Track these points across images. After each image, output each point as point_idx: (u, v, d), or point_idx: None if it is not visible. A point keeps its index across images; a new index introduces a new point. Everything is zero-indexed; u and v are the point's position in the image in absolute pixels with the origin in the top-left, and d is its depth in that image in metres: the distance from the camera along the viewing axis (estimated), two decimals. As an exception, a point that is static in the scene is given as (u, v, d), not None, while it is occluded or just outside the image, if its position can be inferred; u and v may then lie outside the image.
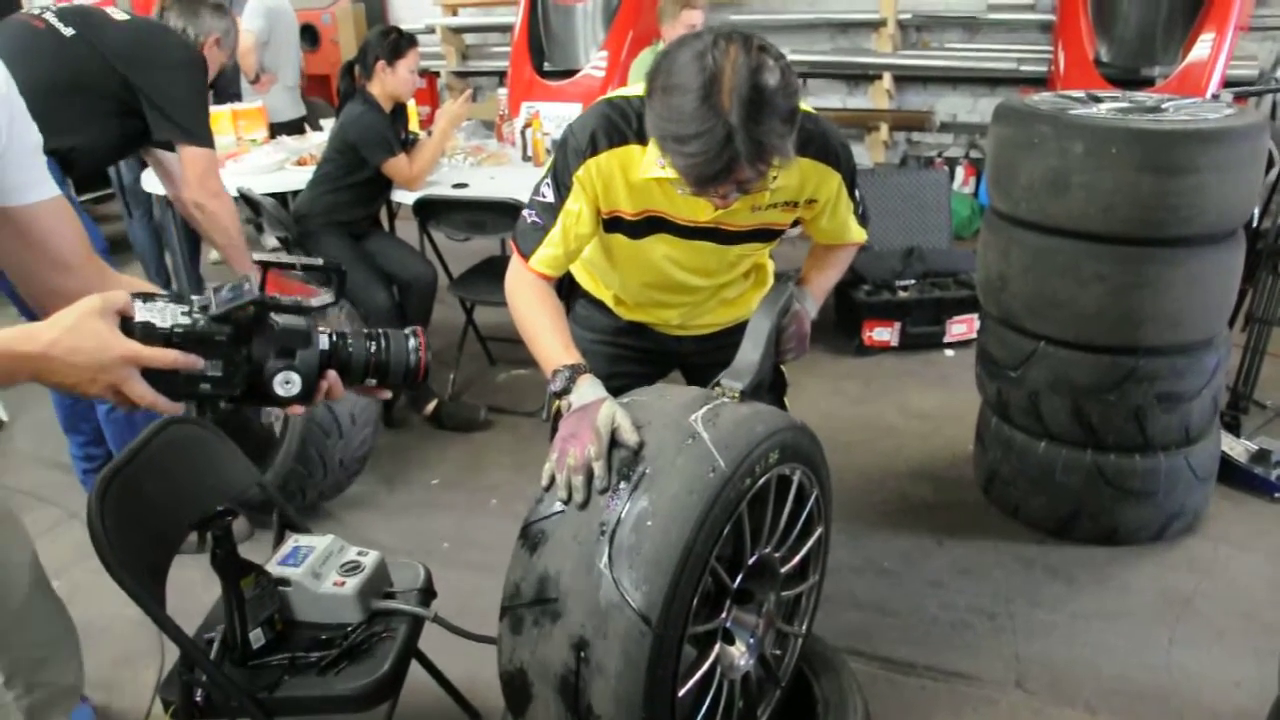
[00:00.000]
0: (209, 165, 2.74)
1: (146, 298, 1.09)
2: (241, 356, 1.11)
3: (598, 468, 1.41)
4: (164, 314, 1.08)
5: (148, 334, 1.06)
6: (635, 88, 1.65)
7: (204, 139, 2.71)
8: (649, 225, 1.75)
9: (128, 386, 1.04)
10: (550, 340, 1.68)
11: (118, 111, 2.63)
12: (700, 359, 2.03)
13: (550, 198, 1.71)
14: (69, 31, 2.55)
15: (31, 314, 2.57)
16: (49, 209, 1.26)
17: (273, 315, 1.14)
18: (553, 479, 1.45)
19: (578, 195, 1.69)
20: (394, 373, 1.22)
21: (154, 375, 1.06)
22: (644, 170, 1.64)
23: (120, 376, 1.03)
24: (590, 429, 1.44)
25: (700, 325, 2.03)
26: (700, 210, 1.68)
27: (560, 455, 1.44)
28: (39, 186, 1.25)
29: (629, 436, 1.43)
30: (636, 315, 2.03)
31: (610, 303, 2.05)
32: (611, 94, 1.72)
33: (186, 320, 1.08)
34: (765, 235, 1.82)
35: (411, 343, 1.23)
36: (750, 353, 1.62)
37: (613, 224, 1.76)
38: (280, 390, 1.14)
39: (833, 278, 2.00)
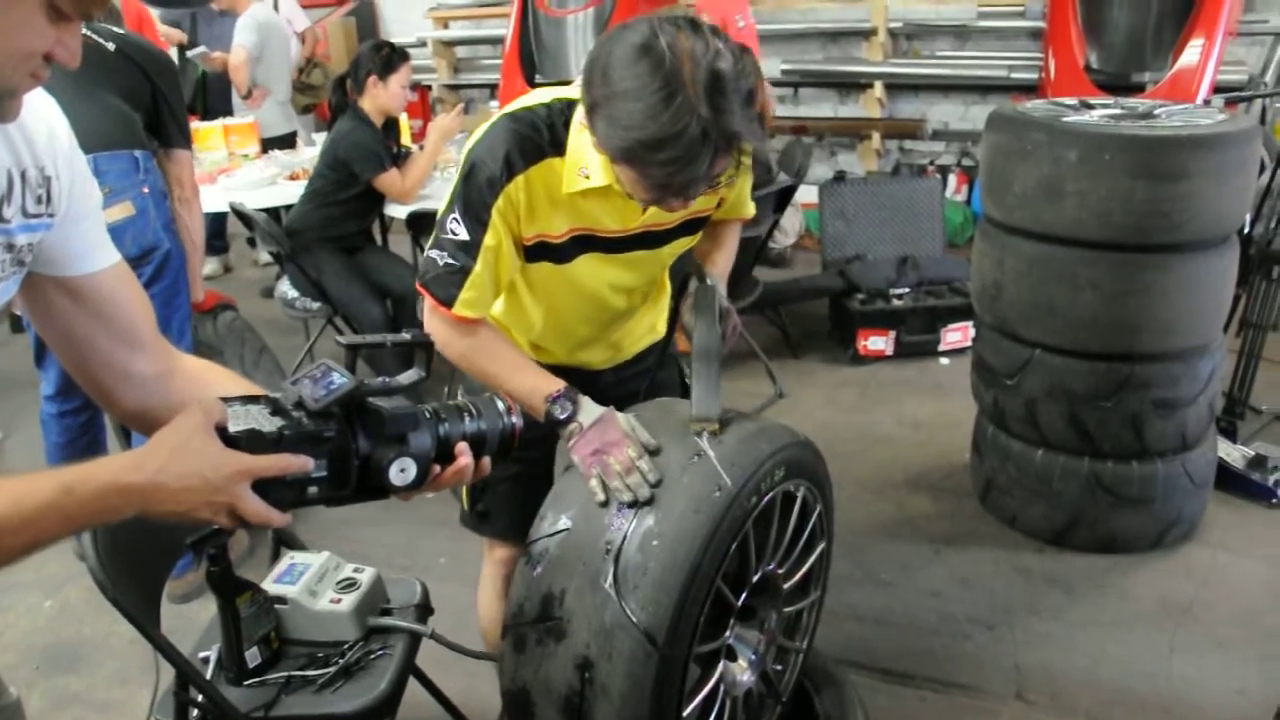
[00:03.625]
0: (192, 165, 2.90)
1: (230, 401, 1.00)
2: (351, 451, 1.02)
3: (644, 465, 1.40)
4: (260, 418, 0.98)
5: (255, 443, 0.95)
6: (531, 96, 1.54)
7: (191, 142, 2.91)
8: (576, 245, 1.59)
9: (242, 505, 0.95)
10: (522, 374, 1.57)
11: (144, 124, 2.62)
12: (618, 389, 1.84)
13: (463, 235, 1.51)
14: (110, 45, 2.53)
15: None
16: (112, 276, 1.12)
17: (376, 400, 1.04)
18: (605, 490, 1.40)
19: (495, 229, 1.50)
20: (490, 443, 1.14)
21: (260, 487, 0.96)
22: (568, 185, 1.49)
23: (234, 495, 0.94)
24: (620, 434, 1.44)
25: (618, 355, 1.89)
26: (630, 218, 1.55)
27: (604, 467, 1.42)
28: (99, 252, 1.11)
29: (649, 442, 1.43)
30: (559, 359, 1.81)
31: (527, 349, 1.79)
32: (508, 109, 1.54)
33: (287, 421, 0.99)
34: (694, 226, 1.69)
35: (501, 405, 1.16)
36: (708, 387, 1.50)
37: (537, 252, 1.58)
38: (396, 480, 1.05)
39: (732, 256, 1.85)
